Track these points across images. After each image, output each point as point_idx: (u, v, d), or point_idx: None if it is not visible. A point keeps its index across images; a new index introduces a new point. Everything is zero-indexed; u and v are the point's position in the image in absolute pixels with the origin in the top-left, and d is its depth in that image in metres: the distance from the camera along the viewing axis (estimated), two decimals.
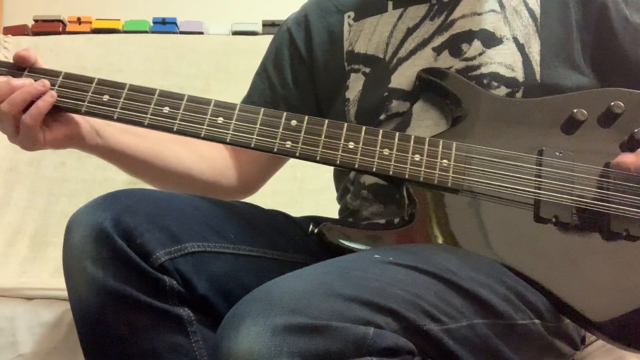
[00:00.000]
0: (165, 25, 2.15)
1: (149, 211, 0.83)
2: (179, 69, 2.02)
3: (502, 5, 0.99)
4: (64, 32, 2.13)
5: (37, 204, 1.88)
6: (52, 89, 0.89)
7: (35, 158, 1.93)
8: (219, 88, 1.97)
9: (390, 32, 1.02)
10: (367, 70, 1.03)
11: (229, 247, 0.89)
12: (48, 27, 2.12)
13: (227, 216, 0.92)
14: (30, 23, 2.13)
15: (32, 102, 0.86)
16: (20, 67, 0.91)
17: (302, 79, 1.10)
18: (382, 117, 1.00)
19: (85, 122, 0.92)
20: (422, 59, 0.99)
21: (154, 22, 2.16)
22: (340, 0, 1.09)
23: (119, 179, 1.84)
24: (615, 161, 0.86)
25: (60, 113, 0.90)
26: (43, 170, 1.92)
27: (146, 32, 2.14)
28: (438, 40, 0.99)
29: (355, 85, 1.04)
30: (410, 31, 1.01)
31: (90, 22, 2.14)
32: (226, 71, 2.00)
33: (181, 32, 2.14)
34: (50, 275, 1.68)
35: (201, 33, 2.14)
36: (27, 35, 2.09)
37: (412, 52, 1.00)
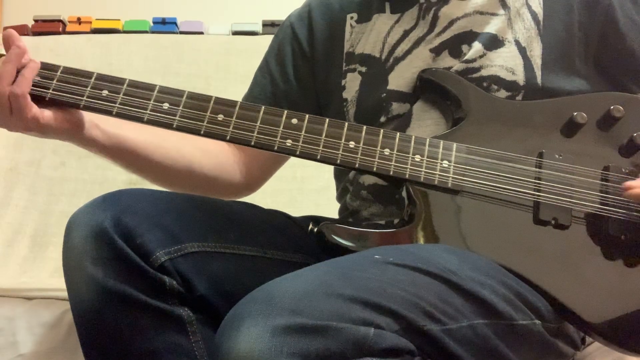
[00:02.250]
0: (165, 25, 2.15)
1: (149, 211, 0.83)
2: (179, 69, 2.01)
3: (505, 7, 0.99)
4: (64, 32, 2.13)
5: (37, 204, 1.88)
6: (50, 82, 0.88)
7: (36, 158, 1.93)
8: (219, 88, 1.97)
9: (387, 33, 1.02)
10: (364, 69, 1.03)
11: (229, 247, 0.89)
12: (48, 27, 2.12)
13: (227, 216, 0.92)
14: (30, 23, 2.13)
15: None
16: (8, 46, 0.89)
17: (304, 75, 1.10)
18: (383, 119, 1.00)
19: (85, 116, 0.91)
20: (420, 59, 0.99)
21: (154, 22, 2.16)
22: (344, 0, 1.09)
23: (119, 179, 1.84)
24: (626, 192, 0.84)
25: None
26: (43, 170, 1.92)
27: (146, 32, 2.14)
28: (436, 41, 0.99)
29: (352, 85, 1.03)
30: (406, 33, 1.01)
31: (90, 22, 2.14)
32: (226, 71, 2.00)
33: (181, 32, 2.14)
34: (50, 275, 1.68)
35: (201, 33, 2.14)
36: (27, 35, 2.10)
37: (408, 52, 1.00)
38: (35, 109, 0.86)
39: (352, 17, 1.07)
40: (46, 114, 0.87)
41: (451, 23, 0.99)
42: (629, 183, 0.84)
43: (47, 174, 1.92)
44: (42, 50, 1.99)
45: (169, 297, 0.81)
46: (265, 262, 0.92)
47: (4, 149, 1.91)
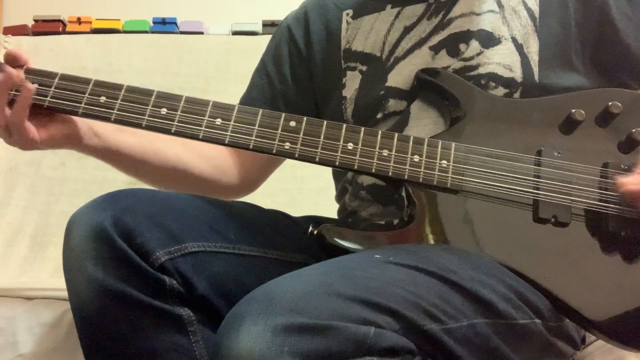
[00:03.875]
0: (165, 25, 2.15)
1: (149, 211, 0.83)
2: (179, 69, 2.01)
3: (500, 5, 0.99)
4: (64, 32, 2.13)
5: (37, 204, 1.88)
6: (48, 90, 0.88)
7: (36, 158, 1.93)
8: (219, 88, 1.97)
9: (387, 31, 1.02)
10: (364, 68, 1.03)
11: (229, 247, 0.89)
12: (48, 27, 2.12)
13: (227, 216, 0.92)
14: (30, 23, 2.13)
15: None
16: (13, 66, 0.89)
17: (301, 76, 1.10)
18: (379, 115, 1.00)
19: (83, 122, 0.92)
20: (419, 58, 0.99)
21: (154, 22, 2.16)
22: None
23: (119, 179, 1.83)
24: (619, 189, 0.84)
25: (57, 114, 0.89)
26: (43, 170, 1.92)
27: (146, 32, 2.14)
28: (435, 40, 0.99)
29: (351, 84, 1.04)
30: (407, 30, 1.01)
31: (90, 22, 2.14)
32: (226, 71, 2.00)
33: (181, 32, 2.15)
34: (50, 275, 1.68)
35: (201, 33, 2.14)
36: (27, 35, 2.09)
37: (409, 51, 1.00)
38: (33, 133, 0.86)
39: (347, 14, 1.07)
40: (43, 135, 0.88)
41: (449, 22, 0.99)
42: (622, 180, 0.84)
43: (47, 174, 1.92)
44: (42, 50, 1.99)
45: (169, 297, 0.81)
46: (265, 262, 0.92)
47: (4, 149, 1.91)
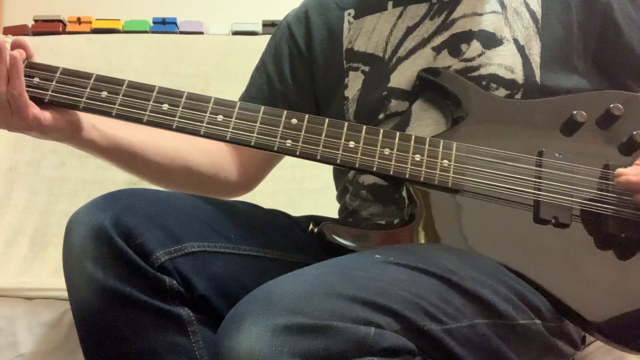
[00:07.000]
0: (165, 25, 2.15)
1: (149, 211, 0.83)
2: (179, 69, 2.01)
3: (503, 6, 0.99)
4: (64, 32, 2.13)
5: (37, 204, 1.88)
6: (50, 84, 0.88)
7: (35, 158, 1.93)
8: (218, 88, 1.97)
9: (390, 31, 1.02)
10: (367, 69, 1.03)
11: (229, 247, 0.89)
12: (48, 27, 2.12)
13: (227, 216, 0.92)
14: (30, 23, 2.13)
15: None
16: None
17: (301, 75, 1.10)
18: (381, 116, 1.00)
19: (83, 117, 0.91)
20: (422, 58, 0.99)
21: (154, 22, 2.16)
22: None
23: (119, 179, 1.84)
24: (617, 178, 0.84)
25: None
26: (43, 170, 1.92)
27: (146, 32, 2.14)
28: (438, 40, 0.99)
29: (354, 84, 1.03)
30: (410, 30, 1.01)
31: (90, 22, 2.15)
32: (226, 71, 2.00)
33: (181, 32, 2.15)
34: (50, 275, 1.68)
35: (201, 33, 2.14)
36: (27, 35, 2.10)
37: (412, 52, 1.00)
38: (36, 109, 0.86)
39: (349, 14, 1.07)
40: (47, 115, 0.87)
41: (452, 22, 0.99)
42: (621, 170, 0.83)
43: (47, 174, 1.92)
44: (42, 50, 1.98)
45: (169, 297, 0.81)
46: (265, 262, 0.92)
47: (4, 149, 1.91)
